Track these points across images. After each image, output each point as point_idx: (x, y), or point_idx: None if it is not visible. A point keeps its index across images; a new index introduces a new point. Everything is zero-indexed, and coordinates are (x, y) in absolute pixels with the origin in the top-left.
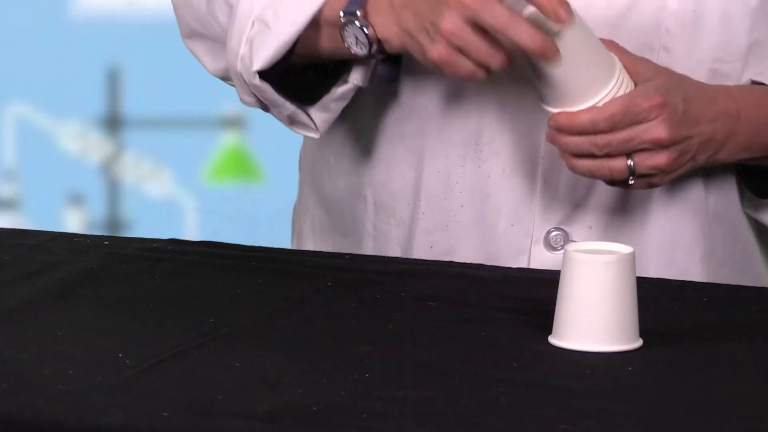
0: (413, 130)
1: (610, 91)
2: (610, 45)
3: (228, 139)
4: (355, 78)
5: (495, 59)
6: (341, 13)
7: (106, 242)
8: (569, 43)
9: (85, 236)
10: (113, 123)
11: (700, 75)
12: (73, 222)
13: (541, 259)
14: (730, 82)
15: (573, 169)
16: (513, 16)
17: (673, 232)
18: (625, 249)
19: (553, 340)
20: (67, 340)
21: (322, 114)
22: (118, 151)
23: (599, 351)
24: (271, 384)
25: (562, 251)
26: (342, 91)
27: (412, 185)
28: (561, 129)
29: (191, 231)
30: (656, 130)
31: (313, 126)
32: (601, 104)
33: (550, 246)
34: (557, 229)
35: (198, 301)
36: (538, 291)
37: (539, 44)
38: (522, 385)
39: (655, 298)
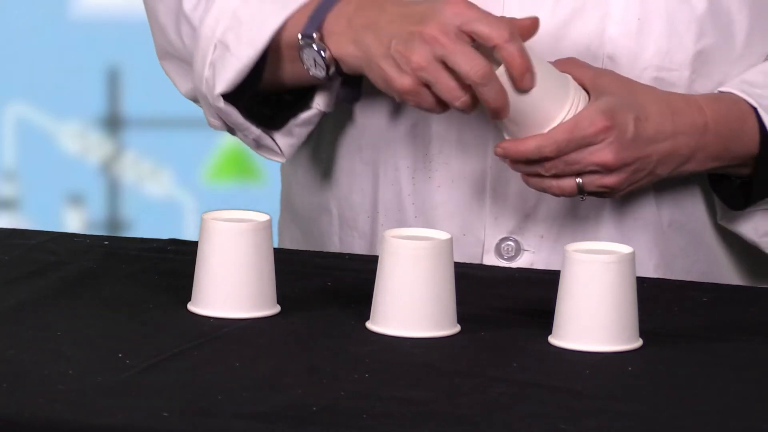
0: (368, 143)
1: (561, 122)
2: (571, 62)
3: (228, 139)
4: (319, 103)
5: (460, 101)
6: (299, 36)
7: (106, 242)
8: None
9: (85, 236)
10: (113, 123)
11: (644, 83)
12: (73, 222)
13: None
14: (678, 91)
15: (526, 183)
16: (487, 71)
17: (624, 243)
18: (625, 249)
19: (553, 340)
20: (67, 340)
21: (286, 139)
22: (118, 151)
23: (599, 351)
24: (271, 384)
25: (512, 260)
26: (306, 116)
27: (370, 198)
28: (508, 156)
29: (191, 231)
30: (602, 153)
31: (279, 150)
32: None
33: (500, 255)
34: (508, 238)
35: None
36: (538, 291)
37: (501, 106)
38: (522, 385)
39: (655, 298)
